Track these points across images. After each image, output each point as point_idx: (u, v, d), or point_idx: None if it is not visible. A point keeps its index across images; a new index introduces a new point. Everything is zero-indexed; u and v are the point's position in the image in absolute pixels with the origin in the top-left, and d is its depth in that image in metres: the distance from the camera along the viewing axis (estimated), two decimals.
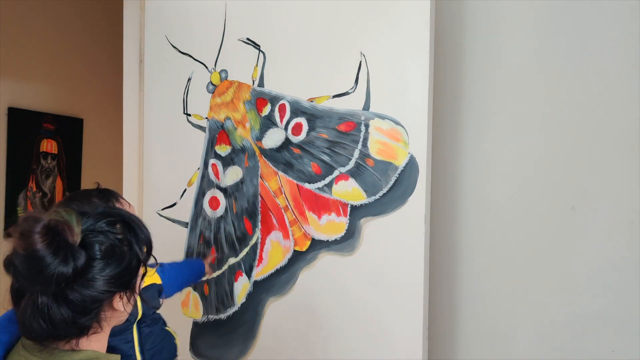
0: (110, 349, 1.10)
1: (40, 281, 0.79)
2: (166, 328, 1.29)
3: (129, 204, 1.24)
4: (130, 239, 0.87)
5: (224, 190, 1.56)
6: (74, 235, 0.81)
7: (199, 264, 1.55)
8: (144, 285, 1.20)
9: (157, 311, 1.28)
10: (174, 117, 1.65)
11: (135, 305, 1.14)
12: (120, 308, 0.88)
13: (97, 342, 0.91)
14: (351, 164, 1.36)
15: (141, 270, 0.91)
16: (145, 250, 0.89)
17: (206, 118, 1.59)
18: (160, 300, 1.30)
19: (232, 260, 1.54)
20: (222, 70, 1.56)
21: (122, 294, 0.88)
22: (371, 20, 1.32)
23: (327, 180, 1.39)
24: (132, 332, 1.17)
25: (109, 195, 1.19)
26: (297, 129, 1.43)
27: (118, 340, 1.15)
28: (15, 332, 1.02)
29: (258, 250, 1.50)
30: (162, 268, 1.36)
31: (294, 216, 1.44)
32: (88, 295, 0.84)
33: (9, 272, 0.80)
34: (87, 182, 3.00)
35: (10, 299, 0.85)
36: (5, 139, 2.64)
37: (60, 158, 2.92)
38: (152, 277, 1.29)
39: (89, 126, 3.07)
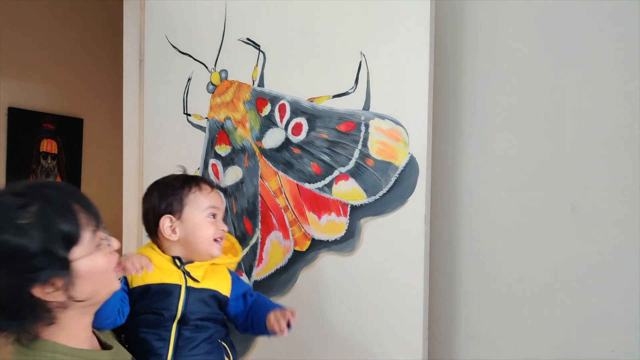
0: (140, 341, 1.07)
1: None
2: (222, 342, 1.15)
3: (212, 188, 1.18)
4: (38, 228, 0.80)
5: (223, 190, 1.56)
6: None
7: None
8: (203, 286, 1.12)
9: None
10: (174, 117, 1.65)
11: (173, 303, 1.08)
12: (45, 297, 0.82)
13: (52, 334, 0.85)
14: (351, 164, 1.36)
15: (68, 260, 0.82)
16: (62, 241, 0.81)
17: (206, 118, 1.59)
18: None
19: None
20: (222, 70, 1.56)
21: (41, 284, 0.81)
22: (371, 20, 1.32)
23: (327, 180, 1.39)
24: (168, 331, 1.08)
25: (189, 179, 1.18)
26: (297, 129, 1.43)
27: (150, 335, 1.08)
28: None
29: (258, 250, 1.50)
30: (245, 290, 1.19)
31: (294, 216, 1.44)
32: None
33: None
34: (87, 182, 3.01)
35: None
36: (5, 139, 2.64)
37: (60, 158, 2.92)
38: (220, 285, 1.15)
39: (89, 126, 3.07)
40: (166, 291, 1.09)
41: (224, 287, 1.15)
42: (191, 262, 1.13)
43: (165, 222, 1.12)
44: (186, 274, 1.11)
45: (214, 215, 1.15)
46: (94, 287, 0.87)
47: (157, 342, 1.08)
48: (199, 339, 1.10)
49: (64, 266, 0.82)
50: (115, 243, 0.92)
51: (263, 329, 1.14)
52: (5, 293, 0.80)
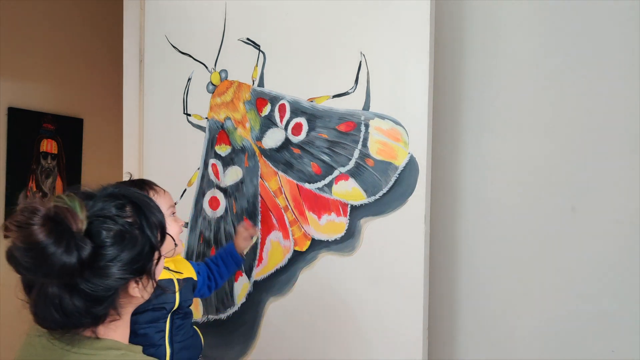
0: (142, 337, 1.11)
1: (43, 273, 0.75)
2: (194, 326, 1.30)
3: (164, 190, 1.22)
4: (141, 222, 0.81)
5: (224, 190, 1.56)
6: (78, 222, 0.75)
7: (232, 259, 1.39)
8: (183, 276, 1.24)
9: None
10: (174, 117, 1.65)
11: (172, 294, 1.18)
12: (137, 294, 0.84)
13: (116, 330, 0.86)
14: (351, 164, 1.36)
15: (156, 255, 0.84)
16: (158, 233, 0.83)
17: (206, 118, 1.59)
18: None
19: None
20: (222, 70, 1.56)
21: (137, 279, 0.83)
22: (371, 20, 1.32)
23: (327, 180, 1.39)
24: (165, 322, 1.17)
25: (142, 185, 1.18)
26: (297, 129, 1.43)
27: (151, 328, 1.16)
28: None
29: (258, 250, 1.50)
30: (199, 267, 1.34)
31: (294, 216, 1.44)
32: (100, 284, 0.78)
33: (11, 264, 0.75)
34: (87, 182, 3.00)
35: (23, 289, 0.81)
36: (5, 139, 2.64)
37: (60, 158, 2.92)
38: (189, 271, 1.28)
39: (89, 126, 3.07)
40: (163, 287, 1.13)
41: (192, 272, 1.29)
42: None
43: None
44: (168, 269, 1.19)
45: (174, 214, 1.22)
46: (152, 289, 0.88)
47: (157, 334, 1.16)
48: (186, 325, 1.23)
49: (155, 261, 0.84)
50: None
51: (232, 262, 1.37)
52: (107, 285, 0.80)
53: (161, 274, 1.10)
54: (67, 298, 0.78)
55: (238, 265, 1.40)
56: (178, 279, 1.22)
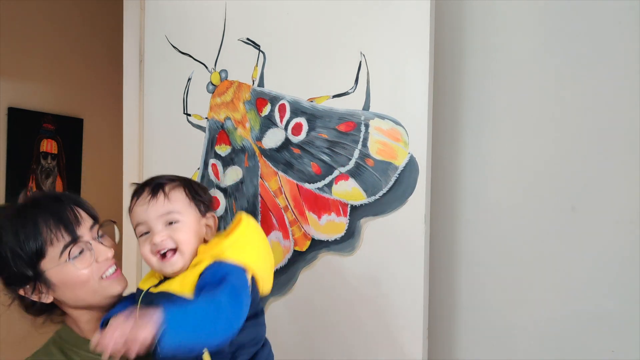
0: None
1: None
2: None
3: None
4: (4, 250, 0.93)
5: (223, 190, 1.56)
6: None
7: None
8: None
9: None
10: (174, 117, 1.65)
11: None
12: (33, 298, 0.97)
13: (71, 318, 1.00)
14: (351, 164, 1.36)
15: (37, 272, 0.94)
16: (24, 260, 0.92)
17: (206, 118, 1.59)
18: None
19: None
20: (222, 70, 1.56)
21: (22, 289, 0.96)
22: (371, 20, 1.32)
23: (327, 180, 1.39)
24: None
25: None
26: (297, 129, 1.43)
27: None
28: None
29: None
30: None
31: (293, 216, 1.44)
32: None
33: None
34: (87, 182, 3.00)
35: None
36: (5, 139, 2.64)
37: (60, 158, 2.92)
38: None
39: (89, 126, 3.07)
40: None
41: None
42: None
43: None
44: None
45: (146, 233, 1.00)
46: (76, 294, 0.96)
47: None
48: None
49: (34, 277, 0.93)
50: (106, 252, 0.97)
51: None
52: (7, 293, 0.98)
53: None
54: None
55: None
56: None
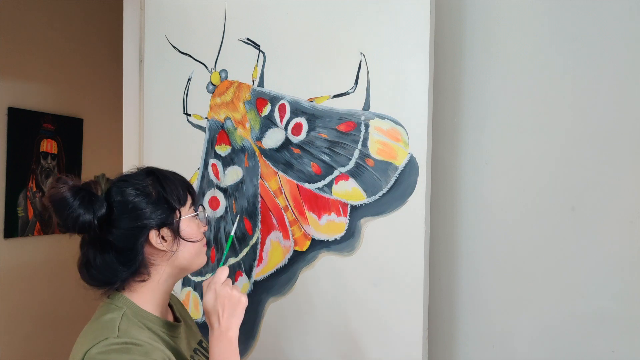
0: None
1: (70, 227, 0.94)
2: None
3: None
4: (157, 188, 1.01)
5: (223, 190, 1.56)
6: (98, 190, 0.98)
7: None
8: None
9: None
10: (174, 117, 1.65)
11: None
12: (159, 246, 0.99)
13: (140, 292, 1.01)
14: (351, 164, 1.36)
15: (176, 214, 1.01)
16: (176, 199, 1.01)
17: (206, 118, 1.59)
18: None
19: (232, 260, 1.54)
20: (222, 70, 1.56)
21: (156, 230, 0.99)
22: (371, 20, 1.32)
23: (327, 180, 1.39)
24: None
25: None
26: (297, 129, 1.43)
27: None
28: None
29: (258, 250, 1.50)
30: None
31: (294, 216, 1.44)
32: (119, 233, 0.97)
33: (59, 224, 0.96)
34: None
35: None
36: (5, 139, 2.64)
37: (60, 158, 2.92)
38: None
39: (89, 126, 3.07)
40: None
41: None
42: None
43: None
44: None
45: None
46: (190, 252, 1.04)
47: None
48: None
49: (174, 218, 1.01)
50: (203, 225, 1.10)
51: None
52: (126, 236, 0.98)
53: None
54: (99, 255, 0.98)
55: None
56: None
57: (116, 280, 0.99)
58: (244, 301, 1.01)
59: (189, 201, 1.06)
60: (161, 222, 1.00)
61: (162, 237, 1.00)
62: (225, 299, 1.00)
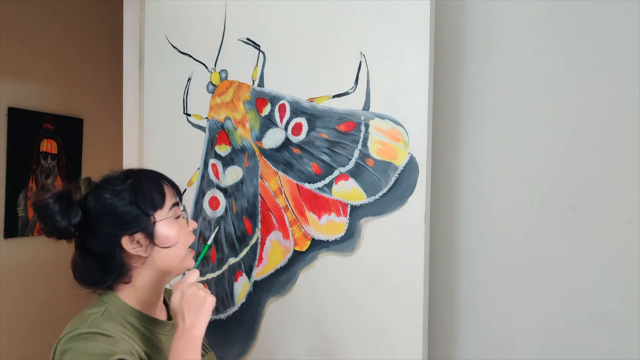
0: None
1: (50, 232, 0.97)
2: None
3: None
4: (130, 193, 1.01)
5: (223, 190, 1.56)
6: (77, 195, 0.99)
7: None
8: None
9: None
10: (174, 117, 1.65)
11: None
12: (132, 250, 1.00)
13: (125, 293, 1.03)
14: (351, 164, 1.36)
15: (151, 219, 1.01)
16: (149, 202, 1.01)
17: (206, 118, 1.59)
18: None
19: (232, 260, 1.54)
20: (222, 70, 1.56)
21: (129, 236, 1.00)
22: (371, 20, 1.32)
23: (327, 180, 1.39)
24: None
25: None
26: (297, 129, 1.43)
27: None
28: None
29: (258, 250, 1.50)
30: None
31: (294, 216, 1.44)
32: (95, 240, 1.00)
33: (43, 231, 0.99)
34: None
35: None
36: (5, 139, 2.64)
37: (60, 158, 2.92)
38: None
39: (89, 126, 3.07)
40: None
41: None
42: None
43: None
44: None
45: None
46: (168, 256, 1.04)
47: None
48: None
49: (147, 223, 1.01)
50: (193, 223, 1.10)
51: None
52: (102, 242, 1.00)
53: None
54: (82, 259, 1.01)
55: None
56: None
57: (101, 283, 1.02)
58: (210, 300, 0.99)
59: (170, 202, 1.06)
60: (133, 228, 1.00)
61: (138, 242, 1.01)
62: (191, 298, 0.99)
